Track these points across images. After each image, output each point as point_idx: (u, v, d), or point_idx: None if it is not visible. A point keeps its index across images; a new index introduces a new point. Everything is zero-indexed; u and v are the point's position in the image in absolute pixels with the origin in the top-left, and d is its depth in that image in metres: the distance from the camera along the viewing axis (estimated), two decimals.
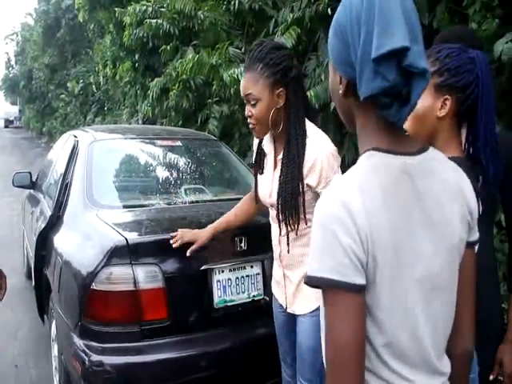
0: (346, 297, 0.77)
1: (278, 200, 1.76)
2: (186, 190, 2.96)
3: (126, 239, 2.12)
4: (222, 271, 2.29)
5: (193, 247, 2.13)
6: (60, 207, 2.73)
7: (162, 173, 3.24)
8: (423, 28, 3.02)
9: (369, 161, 0.84)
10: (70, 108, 18.56)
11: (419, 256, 0.83)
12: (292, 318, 1.87)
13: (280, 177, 1.75)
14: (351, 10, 0.82)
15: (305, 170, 1.71)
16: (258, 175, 1.93)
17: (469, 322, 0.97)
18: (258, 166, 1.92)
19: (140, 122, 8.52)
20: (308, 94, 3.61)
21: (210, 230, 2.17)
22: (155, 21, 6.29)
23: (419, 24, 0.83)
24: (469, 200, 0.92)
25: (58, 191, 2.87)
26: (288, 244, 1.80)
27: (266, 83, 1.70)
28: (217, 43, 5.40)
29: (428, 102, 1.29)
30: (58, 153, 3.77)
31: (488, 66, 1.29)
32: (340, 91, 0.88)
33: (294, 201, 1.72)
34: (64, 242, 2.56)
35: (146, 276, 2.09)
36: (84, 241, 2.39)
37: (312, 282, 0.80)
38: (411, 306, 0.83)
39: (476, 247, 0.96)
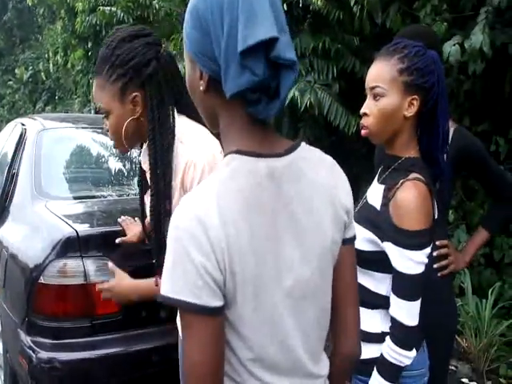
0: (201, 320, 0.72)
1: (152, 228, 1.42)
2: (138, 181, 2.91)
3: (76, 231, 2.06)
4: None
5: (122, 239, 1.96)
6: (6, 198, 2.63)
7: (114, 164, 3.17)
8: (376, 27, 3.09)
9: (228, 166, 0.76)
10: (19, 95, 17.80)
11: (287, 265, 0.78)
12: None
13: (151, 198, 1.39)
14: None
15: (177, 184, 1.34)
16: (145, 197, 1.53)
17: (353, 322, 0.94)
18: (141, 187, 1.56)
19: (92, 112, 8.30)
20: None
21: (140, 229, 1.86)
22: (109, 8, 6.14)
23: (283, 13, 0.77)
24: (343, 199, 0.87)
25: (3, 181, 2.75)
26: None
27: (114, 90, 1.34)
28: (172, 34, 5.33)
29: (397, 101, 1.26)
30: (4, 141, 3.61)
31: (442, 67, 1.30)
32: (201, 87, 0.79)
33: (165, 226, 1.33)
34: (10, 235, 2.46)
35: (96, 269, 2.04)
36: (32, 233, 2.31)
37: (165, 301, 0.73)
38: (279, 318, 0.79)
39: (354, 243, 0.93)
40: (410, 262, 1.21)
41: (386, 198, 1.27)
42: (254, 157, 0.77)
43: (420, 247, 1.21)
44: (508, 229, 3.37)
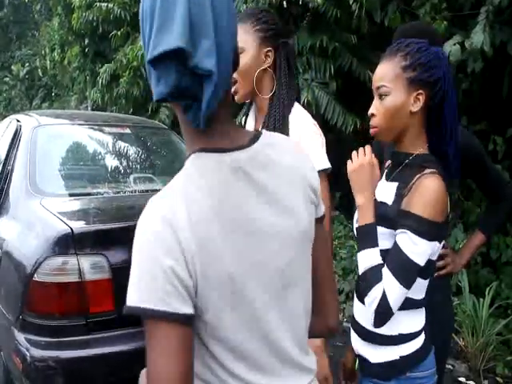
0: (170, 328, 0.68)
1: None
2: (134, 178, 2.90)
3: (71, 228, 2.04)
4: None
5: None
6: (1, 195, 2.61)
7: (110, 161, 3.15)
8: (374, 26, 3.07)
9: (194, 165, 0.75)
10: (15, 92, 17.75)
11: (266, 256, 0.76)
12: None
13: None
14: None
15: None
16: None
17: (332, 299, 0.94)
18: None
19: (89, 108, 8.27)
20: None
21: None
22: (105, 4, 6.11)
23: (210, 15, 0.70)
24: (311, 179, 0.86)
25: None
26: None
27: (255, 36, 1.54)
28: None
29: (401, 98, 1.26)
30: None
31: (449, 63, 1.30)
32: None
33: None
34: (4, 232, 2.44)
35: (91, 267, 2.02)
36: (26, 230, 2.29)
37: (132, 312, 0.69)
38: (260, 312, 0.76)
39: (324, 221, 0.93)
40: (415, 247, 1.18)
41: (401, 195, 1.25)
42: (218, 152, 0.76)
43: (426, 236, 1.18)
44: (505, 228, 3.37)
